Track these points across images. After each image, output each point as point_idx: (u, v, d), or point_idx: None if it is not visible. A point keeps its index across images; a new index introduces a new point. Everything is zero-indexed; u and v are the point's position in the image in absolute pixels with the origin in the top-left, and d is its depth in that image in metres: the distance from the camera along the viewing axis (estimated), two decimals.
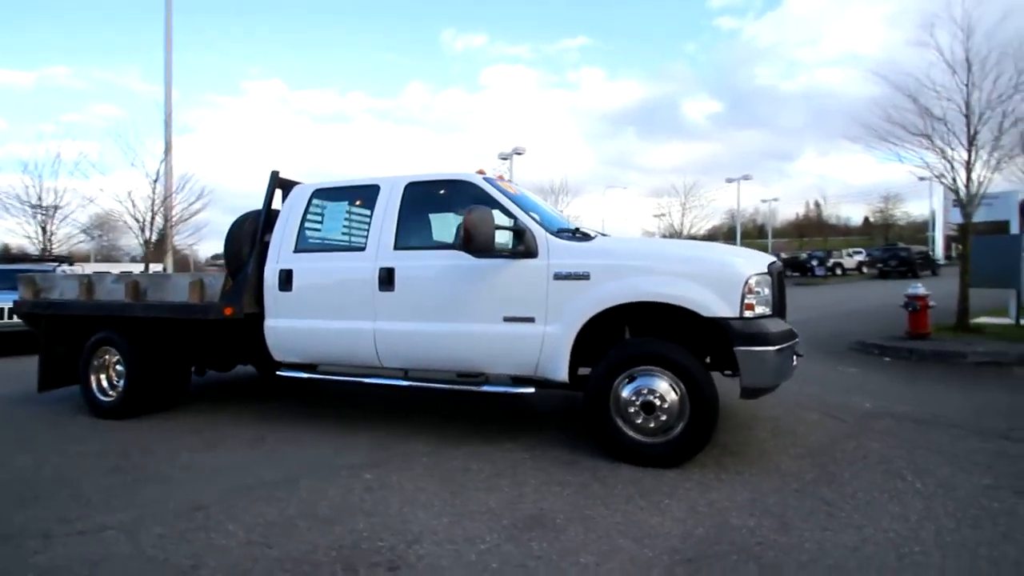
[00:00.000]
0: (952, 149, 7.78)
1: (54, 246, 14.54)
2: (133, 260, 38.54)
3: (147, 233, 12.28)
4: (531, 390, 3.64)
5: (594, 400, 3.40)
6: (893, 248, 29.41)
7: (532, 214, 3.79)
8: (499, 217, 3.69)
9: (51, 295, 5.06)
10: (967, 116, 7.58)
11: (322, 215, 4.42)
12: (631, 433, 3.35)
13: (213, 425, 4.44)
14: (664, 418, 3.25)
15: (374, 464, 3.48)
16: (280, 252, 4.32)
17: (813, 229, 58.98)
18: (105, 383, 4.87)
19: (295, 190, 4.50)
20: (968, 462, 3.38)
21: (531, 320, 3.56)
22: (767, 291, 3.34)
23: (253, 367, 6.10)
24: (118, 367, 4.84)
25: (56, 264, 10.88)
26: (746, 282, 3.21)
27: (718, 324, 3.20)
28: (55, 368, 5.17)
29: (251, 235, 4.46)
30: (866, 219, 64.01)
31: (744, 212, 42.41)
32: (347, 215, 4.38)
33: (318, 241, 4.38)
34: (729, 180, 36.51)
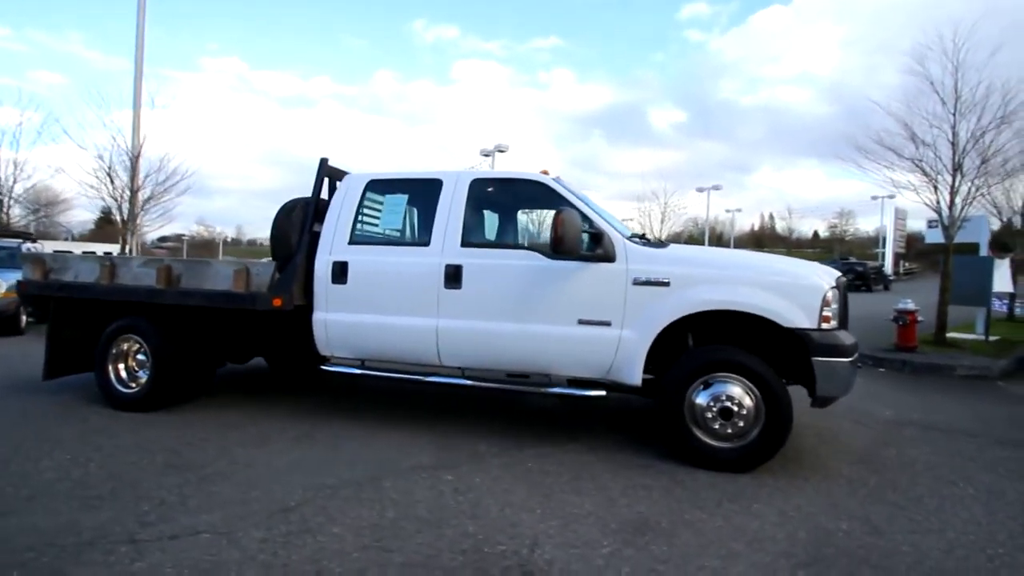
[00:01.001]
0: (938, 174, 8.31)
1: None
2: (74, 239, 36.07)
3: (123, 212, 11.52)
4: (603, 393, 3.67)
5: (670, 405, 3.46)
6: (849, 263, 31.04)
7: (603, 218, 3.82)
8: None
9: (63, 276, 4.70)
10: (953, 144, 8.11)
11: (378, 207, 4.29)
12: (705, 438, 3.43)
13: (250, 420, 4.25)
14: (741, 424, 3.35)
15: (446, 465, 3.42)
16: (333, 243, 4.17)
17: (770, 240, 61.63)
18: (124, 373, 4.58)
19: (348, 179, 4.35)
20: (1004, 469, 3.64)
21: (607, 324, 3.59)
22: (837, 305, 3.49)
23: (265, 360, 5.91)
24: (139, 356, 4.56)
25: (20, 241, 10.08)
26: (824, 295, 3.35)
27: (796, 335, 3.32)
28: (63, 354, 4.82)
29: (300, 224, 4.28)
30: (815, 233, 67.39)
31: (705, 220, 43.85)
32: (406, 208, 4.27)
33: (375, 234, 4.26)
34: (700, 189, 37.77)
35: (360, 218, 4.22)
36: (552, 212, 3.87)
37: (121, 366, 4.59)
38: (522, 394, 4.83)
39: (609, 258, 3.59)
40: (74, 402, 4.68)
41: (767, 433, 3.33)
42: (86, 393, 4.84)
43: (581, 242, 3.42)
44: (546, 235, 4.04)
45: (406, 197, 4.26)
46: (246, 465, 3.34)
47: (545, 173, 4.14)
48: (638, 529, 2.67)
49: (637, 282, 3.55)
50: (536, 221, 4.24)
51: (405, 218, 4.30)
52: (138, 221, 13.54)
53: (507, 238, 4.13)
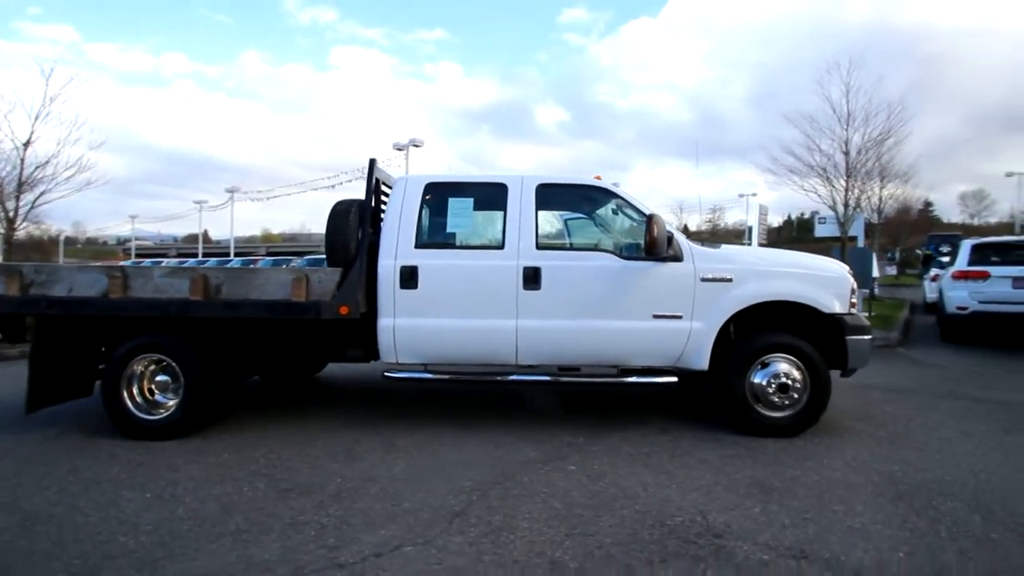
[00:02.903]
0: (835, 179, 10.01)
1: None
2: None
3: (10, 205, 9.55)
4: (675, 379, 4.09)
5: (733, 384, 3.98)
6: None
7: None
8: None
9: (51, 291, 4.02)
10: (847, 154, 9.82)
11: (441, 210, 4.28)
12: (763, 411, 4.00)
13: (305, 434, 4.04)
14: (796, 396, 3.97)
15: (556, 457, 3.61)
16: (398, 247, 4.09)
17: None
18: (139, 398, 4.07)
19: (405, 182, 4.28)
20: (960, 416, 4.62)
21: (679, 317, 4.00)
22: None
23: (263, 374, 5.51)
24: (160, 378, 4.09)
25: None
26: (852, 285, 4.08)
27: (834, 319, 4.01)
28: (47, 382, 4.13)
29: (356, 228, 4.13)
30: (685, 226, 74.88)
31: None
32: (472, 212, 4.31)
33: (443, 237, 4.24)
34: None
35: (423, 222, 4.19)
36: (614, 215, 4.22)
37: (135, 390, 4.07)
38: (555, 387, 5.11)
39: (678, 258, 4.01)
40: (71, 435, 4.08)
41: (813, 402, 3.98)
42: (74, 423, 4.28)
43: (667, 244, 3.80)
44: (600, 237, 4.34)
45: (471, 201, 4.30)
46: (366, 479, 3.25)
47: (598, 179, 4.45)
48: (762, 489, 3.12)
49: (704, 279, 4.01)
50: (593, 223, 4.51)
51: (474, 222, 4.34)
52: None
53: (574, 240, 4.36)
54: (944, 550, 2.50)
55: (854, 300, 4.10)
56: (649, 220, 3.77)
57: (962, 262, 7.82)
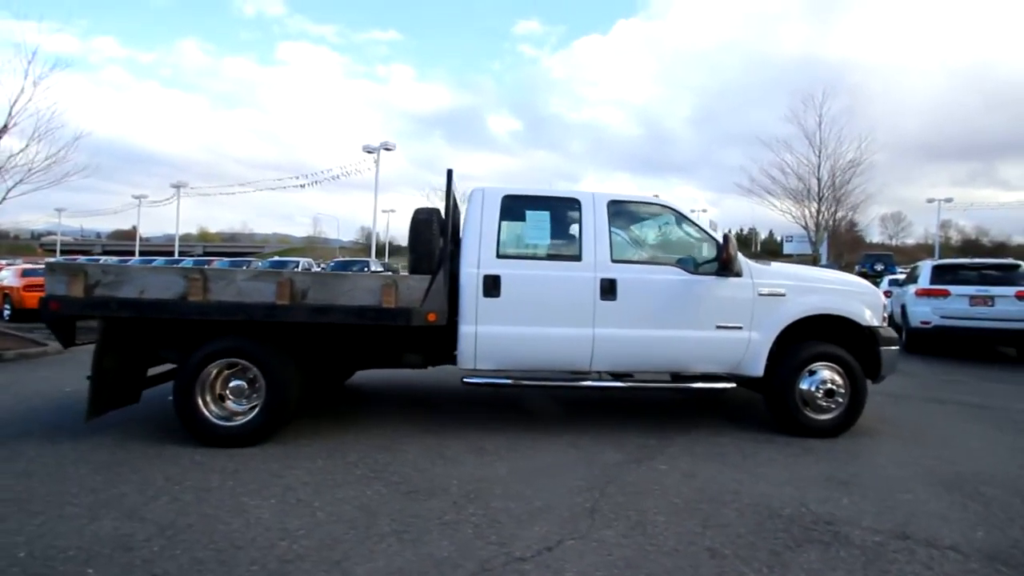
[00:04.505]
0: (807, 201, 10.91)
1: None
2: None
3: None
4: (734, 385, 4.45)
5: (784, 390, 4.38)
6: None
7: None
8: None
9: (118, 292, 3.86)
10: (819, 180, 10.74)
11: (519, 222, 4.45)
12: (810, 414, 4.43)
13: (390, 440, 4.09)
14: (840, 400, 4.42)
15: (639, 458, 3.86)
16: (480, 257, 4.23)
17: None
18: (212, 404, 3.97)
19: (482, 193, 4.42)
20: (960, 417, 5.28)
21: (739, 328, 4.37)
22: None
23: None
24: (235, 383, 4.01)
25: None
26: (884, 301, 4.60)
27: (870, 331, 4.50)
28: (107, 388, 3.96)
29: (438, 236, 4.24)
30: None
31: None
32: (548, 224, 4.50)
33: (523, 248, 4.41)
34: None
35: (502, 232, 4.35)
36: (675, 231, 4.55)
37: (208, 396, 3.98)
38: (582, 391, 5.39)
39: (739, 274, 4.38)
40: (131, 442, 3.95)
41: (852, 406, 4.45)
42: (121, 430, 4.15)
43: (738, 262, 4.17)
44: (664, 251, 4.65)
45: (548, 214, 4.50)
46: (480, 480, 3.37)
47: (656, 196, 4.78)
48: (836, 483, 3.49)
49: (761, 294, 4.40)
50: (657, 239, 4.83)
51: (550, 234, 4.53)
52: None
53: (641, 254, 4.64)
54: (1009, 527, 2.95)
55: (885, 314, 4.63)
56: (725, 239, 4.12)
57: (924, 281, 8.76)
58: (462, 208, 4.81)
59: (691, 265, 4.39)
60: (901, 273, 15.56)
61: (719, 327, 4.36)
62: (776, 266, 4.78)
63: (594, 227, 4.37)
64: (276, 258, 23.42)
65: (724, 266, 4.16)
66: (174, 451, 3.77)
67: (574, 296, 4.25)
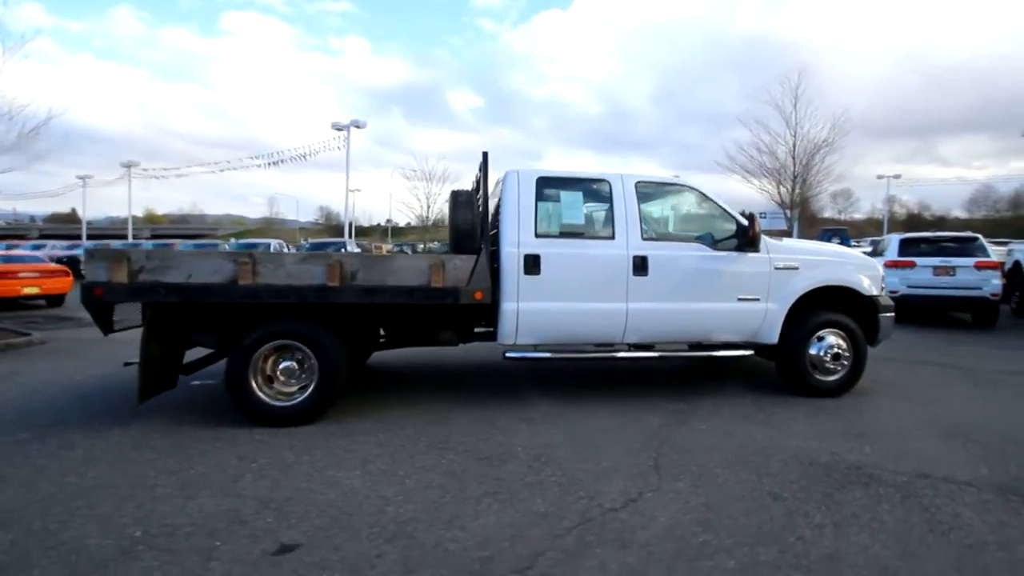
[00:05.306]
0: (783, 179, 11.47)
1: None
2: None
3: None
4: (752, 352, 4.82)
5: (796, 355, 4.79)
6: None
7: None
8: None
9: (165, 277, 3.84)
10: (794, 159, 11.30)
11: (554, 203, 4.62)
12: (819, 376, 4.86)
13: (440, 415, 4.27)
14: (845, 363, 4.85)
15: (680, 421, 4.18)
16: (519, 237, 4.39)
17: None
18: (264, 385, 4.03)
19: (517, 175, 4.55)
20: (950, 378, 5.88)
21: (757, 300, 4.72)
22: None
23: None
24: (284, 364, 4.08)
25: None
26: (882, 273, 5.04)
27: (871, 300, 4.94)
28: (153, 373, 3.96)
29: (479, 217, 4.37)
30: None
31: None
32: (582, 204, 4.68)
33: (559, 227, 4.58)
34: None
35: (539, 212, 4.51)
36: (696, 210, 4.84)
37: (260, 379, 4.03)
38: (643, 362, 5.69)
39: (757, 249, 4.71)
40: (182, 426, 3.98)
41: (854, 368, 4.90)
42: (160, 415, 4.12)
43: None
44: (687, 229, 4.93)
45: (580, 194, 4.68)
46: (543, 446, 3.60)
47: (676, 177, 5.04)
48: (855, 436, 3.90)
49: (777, 268, 4.75)
50: (680, 217, 5.10)
51: (584, 214, 4.71)
52: None
53: (667, 231, 4.89)
54: (1007, 465, 3.41)
55: (883, 285, 5.08)
56: (751, 219, 4.42)
57: (892, 253, 9.45)
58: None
59: (710, 241, 4.68)
60: (856, 246, 16.60)
61: (740, 299, 4.70)
62: (788, 242, 5.15)
63: (624, 207, 4.60)
64: (241, 240, 22.62)
65: (750, 243, 4.48)
66: (230, 433, 3.83)
67: (609, 273, 4.49)
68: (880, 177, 35.31)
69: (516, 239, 4.40)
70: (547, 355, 4.56)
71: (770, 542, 2.48)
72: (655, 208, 5.02)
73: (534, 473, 3.18)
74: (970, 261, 8.70)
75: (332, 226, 76.94)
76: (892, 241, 9.79)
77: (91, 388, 5.10)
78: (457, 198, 4.50)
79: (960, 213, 56.68)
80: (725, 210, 4.80)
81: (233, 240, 31.62)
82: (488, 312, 4.47)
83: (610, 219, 4.59)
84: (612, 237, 4.54)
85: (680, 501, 2.84)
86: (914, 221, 49.56)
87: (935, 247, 9.25)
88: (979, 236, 9.38)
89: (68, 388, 5.13)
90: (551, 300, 4.42)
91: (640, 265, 4.51)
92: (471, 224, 4.35)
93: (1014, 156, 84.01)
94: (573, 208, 4.65)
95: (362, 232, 60.10)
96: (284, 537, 2.46)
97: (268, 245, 20.48)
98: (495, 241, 4.43)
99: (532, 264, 4.38)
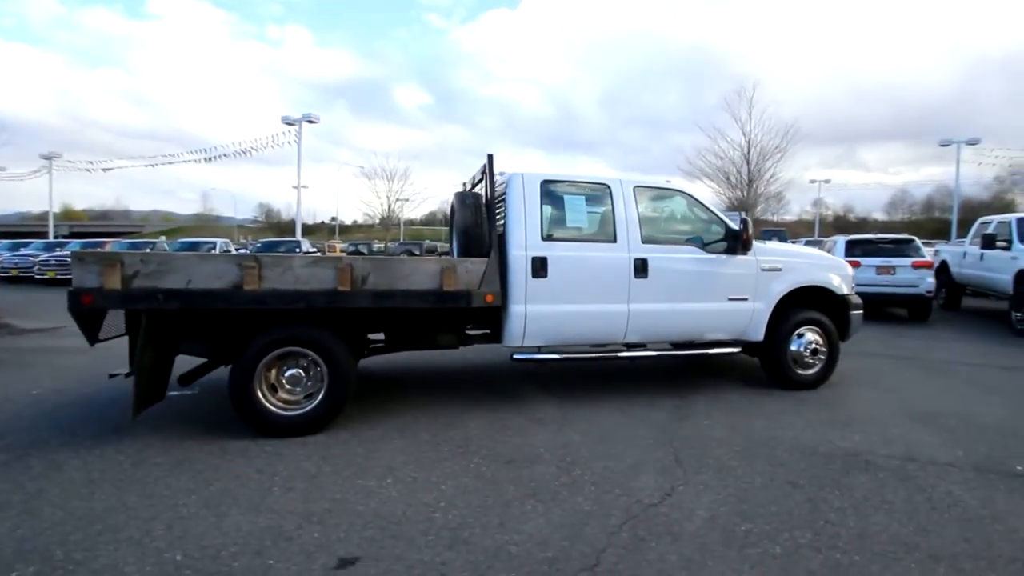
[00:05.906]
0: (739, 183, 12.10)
1: None
2: None
3: None
4: (739, 350, 5.09)
5: (779, 351, 5.11)
6: None
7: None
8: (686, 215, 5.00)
9: (162, 283, 3.61)
10: (749, 164, 11.94)
11: (555, 205, 4.68)
12: (798, 370, 5.20)
13: (449, 421, 4.25)
14: (821, 358, 5.22)
15: (684, 416, 4.37)
16: (526, 239, 4.44)
17: None
18: (269, 393, 3.88)
19: (521, 179, 4.59)
20: (918, 369, 6.42)
21: (746, 299, 5.00)
22: None
23: None
24: (290, 372, 3.95)
25: None
26: (852, 273, 5.45)
27: (842, 298, 5.33)
28: (147, 383, 3.73)
29: (487, 220, 4.38)
30: None
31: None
32: (585, 207, 4.77)
33: (564, 231, 4.65)
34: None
35: (544, 216, 4.58)
36: (688, 214, 5.06)
37: (264, 386, 3.87)
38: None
39: (747, 252, 4.98)
40: (191, 438, 3.77)
41: (829, 362, 5.29)
42: (152, 429, 3.93)
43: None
44: (681, 232, 5.13)
45: (583, 197, 4.78)
46: (562, 447, 3.67)
47: (668, 182, 5.25)
48: (842, 424, 4.22)
49: (763, 269, 5.05)
50: (674, 220, 5.29)
51: (587, 217, 4.80)
52: None
53: (662, 235, 5.07)
54: (977, 446, 3.80)
55: (852, 284, 5.49)
56: (745, 223, 4.68)
57: (839, 253, 10.18)
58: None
59: (700, 244, 4.92)
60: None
61: (730, 299, 4.96)
62: (771, 244, 5.47)
63: (624, 210, 4.74)
64: (181, 240, 21.13)
65: (744, 246, 4.73)
66: (238, 445, 3.66)
67: (612, 275, 4.62)
68: (812, 181, 37.95)
69: (523, 242, 4.45)
70: (555, 356, 4.65)
71: (804, 527, 2.67)
72: (651, 212, 5.20)
73: (565, 473, 3.24)
74: (908, 261, 9.52)
75: (273, 224, 73.78)
76: (839, 242, 10.55)
77: (56, 403, 4.71)
78: (464, 200, 4.49)
79: (880, 215, 61.66)
80: (714, 214, 5.05)
81: (162, 238, 29.54)
82: (488, 315, 4.50)
83: (611, 222, 4.72)
84: (614, 240, 4.68)
85: (711, 493, 3.00)
86: (840, 223, 53.49)
87: (876, 248, 10.05)
88: (915, 238, 10.28)
89: (30, 404, 4.71)
90: (558, 302, 4.50)
91: (641, 267, 4.67)
92: (479, 227, 4.35)
93: (926, 163, 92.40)
94: (576, 211, 4.74)
95: (308, 231, 57.98)
96: (340, 551, 2.41)
97: (213, 244, 19.35)
98: (500, 244, 4.45)
99: (540, 266, 4.44)
